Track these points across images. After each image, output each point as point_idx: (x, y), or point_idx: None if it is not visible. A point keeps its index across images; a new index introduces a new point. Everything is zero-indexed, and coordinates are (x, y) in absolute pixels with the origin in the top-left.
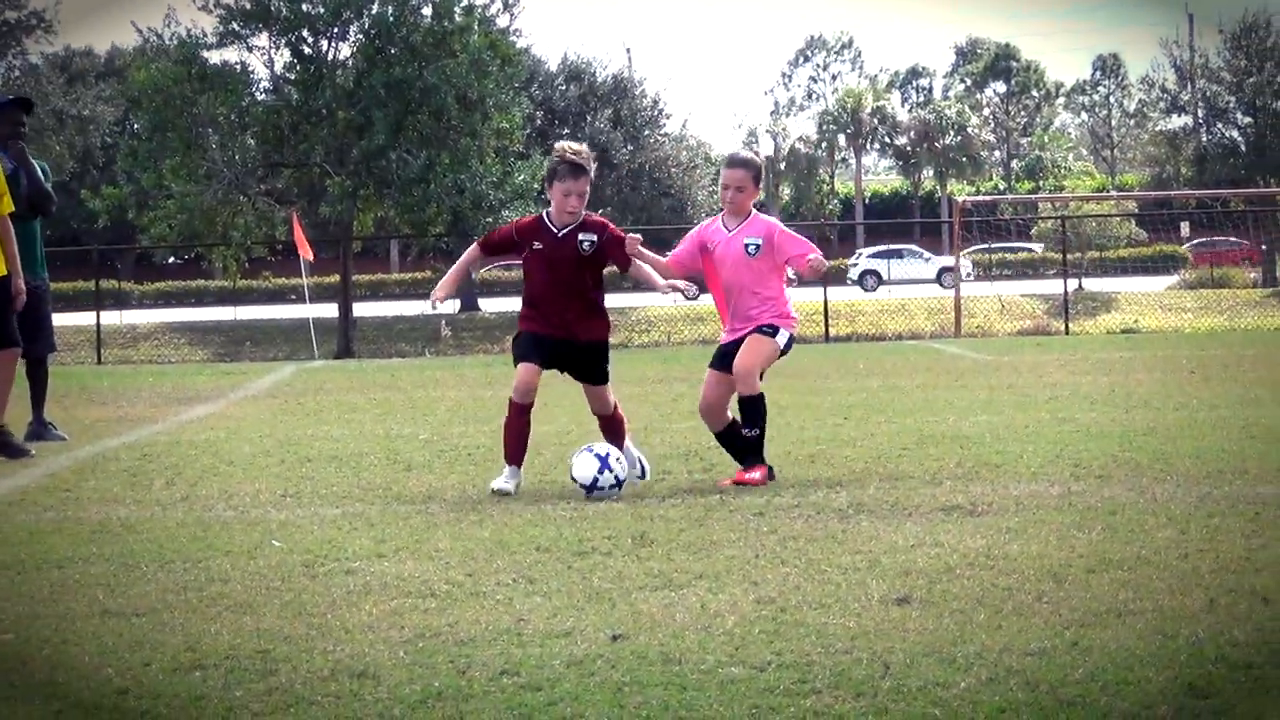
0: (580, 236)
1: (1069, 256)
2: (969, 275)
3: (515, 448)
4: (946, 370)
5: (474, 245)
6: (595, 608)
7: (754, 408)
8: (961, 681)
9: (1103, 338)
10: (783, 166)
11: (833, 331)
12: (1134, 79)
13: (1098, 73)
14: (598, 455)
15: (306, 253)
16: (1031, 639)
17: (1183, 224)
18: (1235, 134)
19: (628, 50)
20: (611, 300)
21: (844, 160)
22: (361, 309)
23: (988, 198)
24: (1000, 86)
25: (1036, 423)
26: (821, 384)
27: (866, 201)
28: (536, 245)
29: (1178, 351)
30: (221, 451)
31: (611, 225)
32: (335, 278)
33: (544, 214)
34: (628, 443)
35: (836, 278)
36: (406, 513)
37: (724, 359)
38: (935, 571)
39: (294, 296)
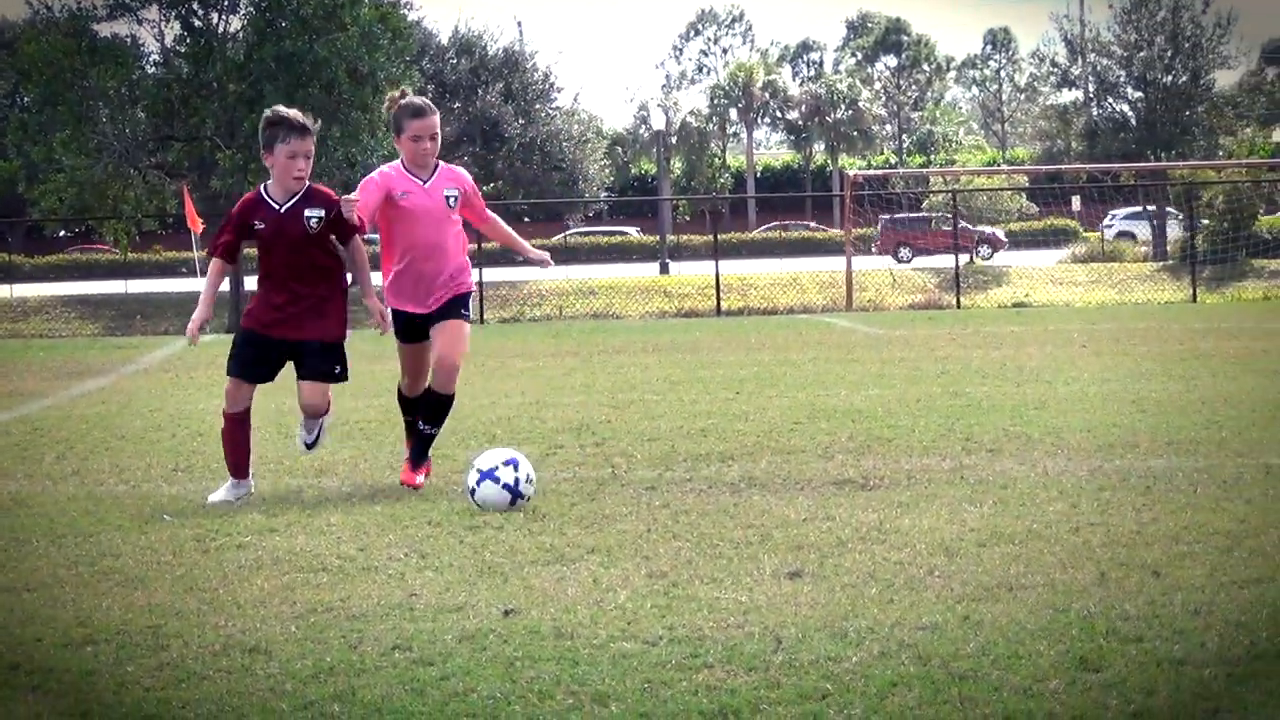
0: (307, 213)
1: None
2: None
3: (237, 458)
4: (838, 344)
5: (213, 260)
6: (487, 582)
7: (444, 408)
8: (853, 655)
9: (994, 311)
10: (674, 140)
11: (724, 305)
12: (1025, 53)
13: (989, 47)
14: (507, 486)
15: (197, 226)
16: (923, 613)
17: (1074, 198)
18: (1126, 108)
19: (519, 23)
20: (501, 274)
21: (735, 134)
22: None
23: (879, 172)
24: (891, 60)
25: (928, 396)
26: (713, 358)
27: (758, 175)
28: (257, 225)
29: (1069, 325)
30: (113, 426)
31: (337, 198)
32: None
33: (262, 187)
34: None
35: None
36: (298, 487)
37: (419, 332)
38: (827, 545)
39: (185, 270)
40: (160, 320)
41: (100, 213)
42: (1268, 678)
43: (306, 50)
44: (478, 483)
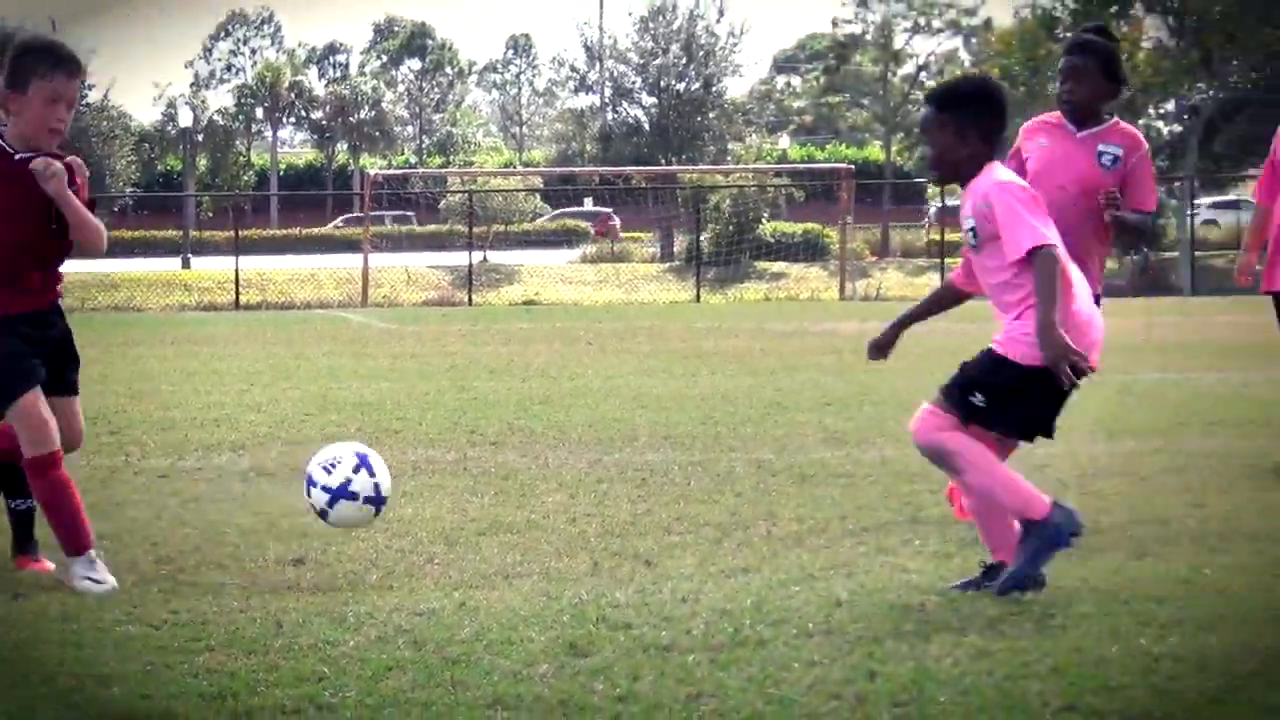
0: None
1: (475, 229)
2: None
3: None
4: (352, 339)
5: None
6: None
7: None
8: (351, 640)
9: (505, 309)
10: (200, 138)
11: (244, 300)
12: (545, 59)
13: (510, 51)
14: (368, 499)
15: None
16: (421, 599)
17: (586, 199)
18: (640, 113)
19: (53, 21)
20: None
21: (260, 133)
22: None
23: (399, 171)
24: (415, 64)
25: (437, 390)
26: (229, 350)
27: (281, 173)
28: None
29: (576, 323)
30: None
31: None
32: None
33: None
34: None
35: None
36: None
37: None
38: (331, 534)
39: None
40: None
41: None
42: (749, 664)
43: None
44: (329, 504)
